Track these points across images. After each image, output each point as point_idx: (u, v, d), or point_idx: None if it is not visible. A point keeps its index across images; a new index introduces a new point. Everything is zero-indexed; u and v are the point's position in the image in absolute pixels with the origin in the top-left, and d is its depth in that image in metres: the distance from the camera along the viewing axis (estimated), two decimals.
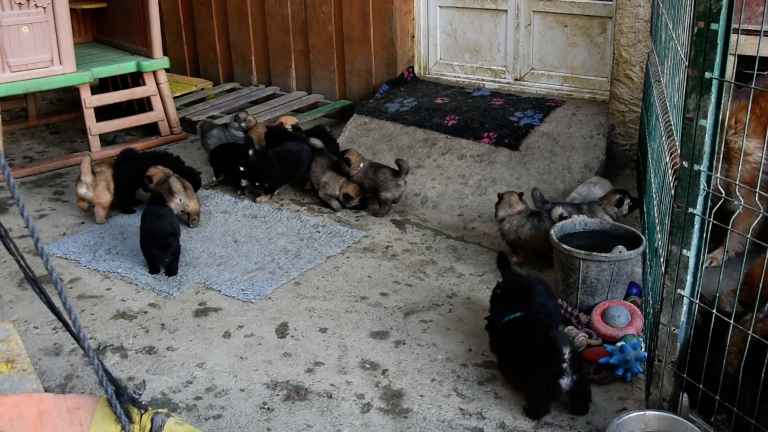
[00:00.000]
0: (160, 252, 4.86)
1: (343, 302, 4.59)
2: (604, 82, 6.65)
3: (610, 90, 6.33)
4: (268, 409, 3.63)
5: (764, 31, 3.53)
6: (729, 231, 3.08)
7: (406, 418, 3.57)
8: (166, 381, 3.86)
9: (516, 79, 7.21)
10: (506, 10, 7.06)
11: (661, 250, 3.53)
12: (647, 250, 4.38)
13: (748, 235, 2.85)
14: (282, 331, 4.30)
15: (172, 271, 4.91)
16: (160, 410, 2.45)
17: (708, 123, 2.88)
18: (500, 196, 5.07)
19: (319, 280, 4.84)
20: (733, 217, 3.05)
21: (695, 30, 2.80)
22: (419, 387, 3.80)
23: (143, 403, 2.50)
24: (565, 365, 3.43)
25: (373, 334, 4.26)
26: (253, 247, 5.28)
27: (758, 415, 2.89)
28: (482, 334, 4.19)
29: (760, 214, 2.86)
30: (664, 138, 3.71)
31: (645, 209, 4.86)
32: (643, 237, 4.40)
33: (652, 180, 4.35)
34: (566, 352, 3.43)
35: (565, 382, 3.46)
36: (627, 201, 5.05)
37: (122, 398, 2.35)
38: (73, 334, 2.74)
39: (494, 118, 6.61)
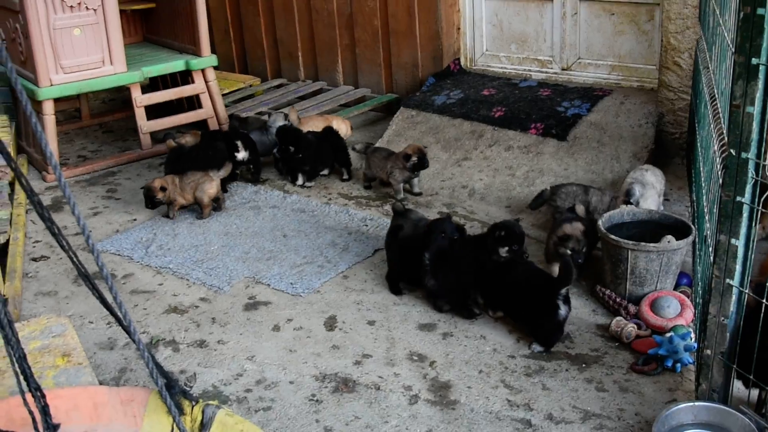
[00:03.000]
0: None
1: (391, 295, 4.62)
2: (653, 70, 6.55)
3: (658, 78, 6.24)
4: (317, 401, 3.68)
5: None
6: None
7: (454, 409, 3.59)
8: (216, 374, 3.93)
9: (563, 69, 7.15)
10: (552, 0, 7.00)
11: (710, 240, 3.50)
12: (697, 239, 4.32)
13: None
14: (330, 324, 4.35)
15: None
16: (210, 402, 2.50)
17: (755, 110, 2.83)
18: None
19: (367, 273, 4.88)
20: None
21: (741, 15, 2.76)
22: (466, 378, 3.81)
23: (194, 395, 2.56)
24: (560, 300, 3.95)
25: (420, 327, 4.28)
26: (302, 241, 5.34)
27: None
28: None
29: None
30: (712, 125, 3.66)
31: (695, 198, 4.80)
32: (692, 226, 4.35)
33: (701, 168, 4.29)
34: (563, 291, 3.97)
35: (562, 312, 3.96)
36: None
37: (173, 391, 2.41)
38: (124, 328, 2.82)
39: (541, 109, 6.57)
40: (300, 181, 6.30)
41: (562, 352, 4.00)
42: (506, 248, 4.39)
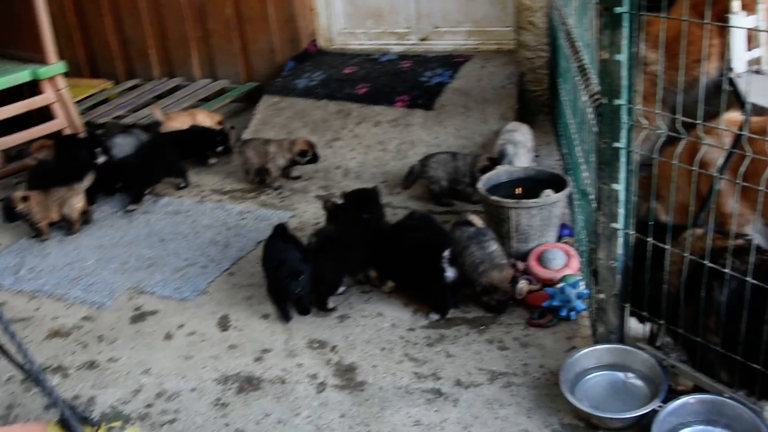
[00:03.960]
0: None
1: None
2: (509, 32, 6.67)
3: (516, 39, 6.36)
4: (223, 404, 3.56)
5: None
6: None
7: (363, 390, 3.54)
8: (113, 393, 3.73)
9: (421, 40, 7.18)
10: None
11: (589, 189, 3.57)
12: (574, 190, 4.43)
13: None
14: (224, 324, 4.21)
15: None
16: (113, 424, 2.36)
17: (623, 57, 2.90)
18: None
19: (253, 267, 4.75)
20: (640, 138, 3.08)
21: None
22: (370, 358, 3.77)
23: (94, 419, 2.41)
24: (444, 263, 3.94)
25: (315, 313, 4.20)
26: (181, 243, 5.15)
27: (702, 332, 2.95)
28: None
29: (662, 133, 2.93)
30: (578, 78, 3.74)
31: (565, 151, 4.92)
32: (567, 178, 4.44)
33: (570, 121, 4.39)
34: (446, 253, 3.94)
35: (448, 274, 3.95)
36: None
37: (70, 420, 2.26)
38: (13, 360, 2.63)
39: (405, 81, 6.58)
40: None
41: (459, 317, 4.02)
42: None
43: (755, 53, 4.75)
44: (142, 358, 4.00)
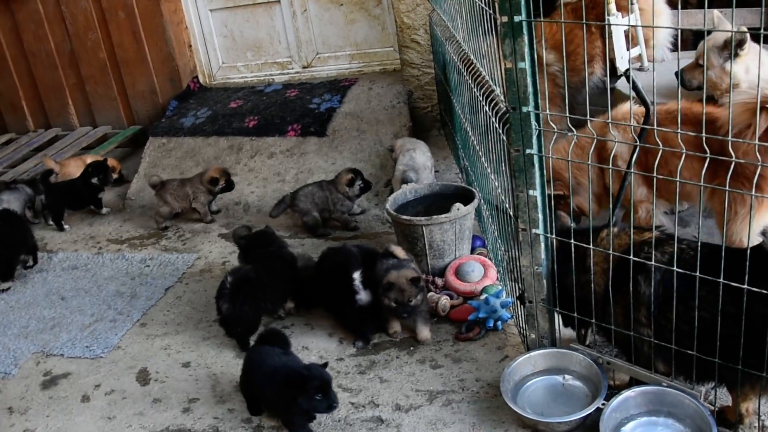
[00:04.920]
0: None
1: (198, 330, 4.37)
2: (391, 52, 6.72)
3: (400, 57, 6.41)
4: None
5: None
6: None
7: None
8: None
9: (304, 67, 7.15)
10: (279, 1, 6.96)
11: (502, 197, 3.61)
12: (481, 201, 4.47)
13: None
14: (143, 377, 4.03)
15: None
16: None
17: (527, 64, 2.94)
18: None
19: (165, 315, 4.58)
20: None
21: None
22: None
23: None
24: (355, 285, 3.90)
25: (239, 355, 4.07)
26: (84, 299, 4.91)
27: (634, 325, 3.01)
28: None
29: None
30: (475, 90, 3.78)
31: (467, 163, 4.96)
32: (475, 190, 4.48)
33: (470, 134, 4.43)
34: (356, 275, 3.90)
35: (360, 297, 3.91)
36: (358, 182, 5.18)
37: None
38: None
39: (294, 110, 6.52)
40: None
41: (387, 341, 3.98)
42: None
43: (634, 52, 4.94)
44: (60, 425, 3.77)
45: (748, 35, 3.91)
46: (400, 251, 4.07)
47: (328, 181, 5.31)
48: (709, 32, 4.00)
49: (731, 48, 3.90)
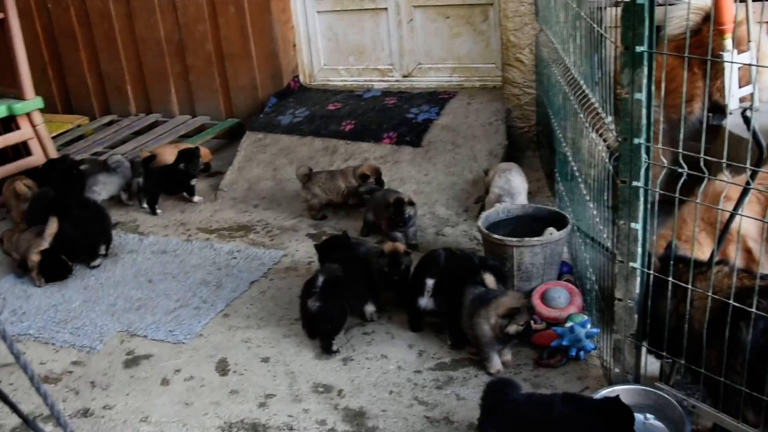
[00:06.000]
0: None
1: (279, 327, 4.41)
2: (493, 69, 6.70)
3: (502, 75, 6.38)
4: None
5: None
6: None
7: None
8: None
9: (404, 76, 7.18)
10: (386, 8, 7.01)
11: (600, 227, 3.55)
12: (573, 228, 4.40)
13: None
14: (222, 368, 4.09)
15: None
16: None
17: (643, 96, 2.89)
18: None
19: (248, 308, 4.65)
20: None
21: (622, 5, 2.80)
22: (379, 402, 3.68)
23: None
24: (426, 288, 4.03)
25: (318, 355, 4.10)
26: (171, 284, 5.02)
27: (726, 372, 2.91)
28: (427, 335, 4.14)
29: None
30: (582, 116, 3.72)
31: (563, 188, 4.90)
32: (568, 216, 4.42)
33: (570, 158, 4.37)
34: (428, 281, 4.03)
35: (423, 301, 4.04)
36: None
37: None
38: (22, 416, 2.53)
39: (391, 118, 6.55)
40: None
41: (467, 358, 3.95)
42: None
43: (745, 91, 4.81)
44: (139, 405, 3.86)
45: None
46: (490, 280, 4.00)
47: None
48: None
49: None
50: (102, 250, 5.45)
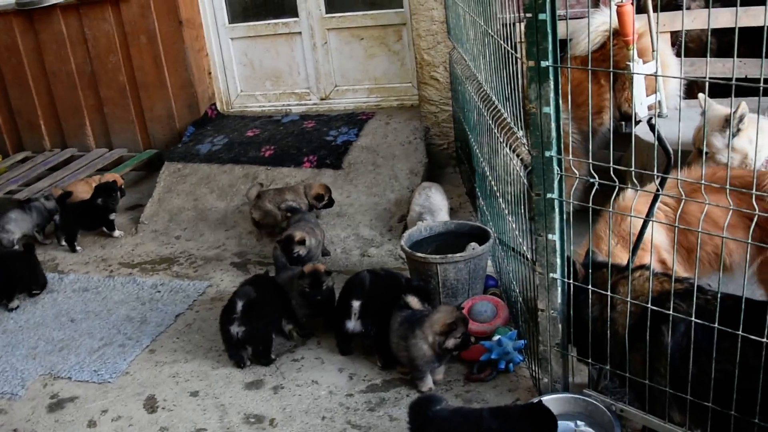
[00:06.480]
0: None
1: (207, 359, 4.34)
2: (409, 88, 6.76)
3: (418, 94, 6.44)
4: None
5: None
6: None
7: None
8: None
9: (322, 99, 7.19)
10: (300, 32, 7.02)
11: (519, 239, 3.60)
12: (495, 241, 4.46)
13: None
14: (151, 405, 4.00)
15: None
16: None
17: (551, 109, 2.95)
18: None
19: (174, 342, 4.56)
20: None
21: (525, 22, 2.86)
22: (312, 429, 3.65)
23: None
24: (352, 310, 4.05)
25: (247, 386, 4.05)
26: (94, 322, 4.90)
27: (651, 375, 2.98)
28: (357, 358, 4.13)
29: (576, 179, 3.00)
30: (496, 131, 3.79)
31: (483, 203, 4.96)
32: (490, 231, 4.48)
33: (488, 173, 4.43)
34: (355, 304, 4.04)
35: (351, 324, 4.05)
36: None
37: None
38: None
39: (310, 141, 6.54)
40: None
41: (397, 378, 3.96)
42: None
43: (652, 99, 4.96)
44: None
45: (745, 107, 3.94)
46: (415, 302, 3.96)
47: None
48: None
49: (730, 126, 3.94)
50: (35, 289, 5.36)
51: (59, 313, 5.07)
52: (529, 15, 2.84)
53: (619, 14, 4.57)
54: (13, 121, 8.09)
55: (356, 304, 4.03)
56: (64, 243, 6.12)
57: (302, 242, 4.90)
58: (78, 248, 6.04)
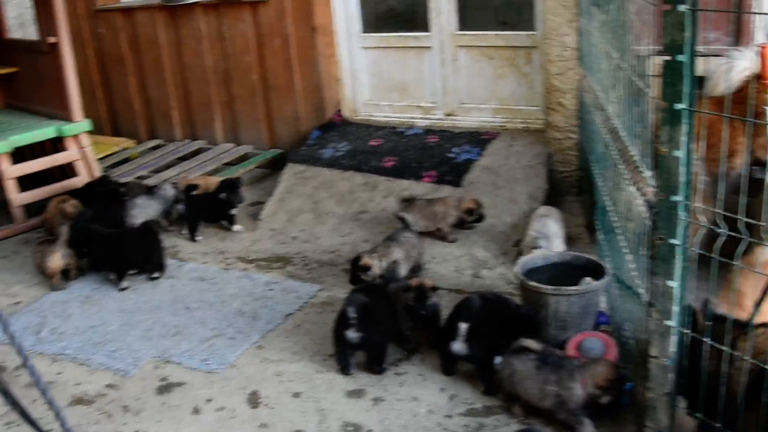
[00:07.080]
0: None
1: (312, 362, 4.43)
2: (536, 111, 6.71)
3: (545, 119, 6.39)
4: None
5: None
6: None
7: None
8: None
9: (447, 115, 7.22)
10: (430, 47, 7.08)
11: (637, 281, 3.53)
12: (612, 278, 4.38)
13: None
14: (254, 400, 4.12)
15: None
16: None
17: (682, 153, 2.88)
18: None
19: (282, 342, 4.68)
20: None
21: (663, 63, 2.81)
22: None
23: None
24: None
25: (349, 394, 4.12)
26: (207, 312, 5.08)
27: None
28: (459, 379, 4.13)
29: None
30: (622, 166, 3.72)
31: (602, 237, 4.88)
32: (607, 267, 4.40)
33: (611, 209, 4.35)
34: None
35: (456, 346, 4.02)
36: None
37: None
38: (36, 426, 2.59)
39: (432, 156, 6.59)
40: None
41: (499, 405, 3.93)
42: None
43: None
44: None
45: None
46: (533, 344, 3.86)
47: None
48: None
49: None
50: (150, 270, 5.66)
51: (176, 299, 5.28)
52: (667, 56, 2.79)
53: (762, 56, 4.42)
54: (149, 109, 8.51)
55: (464, 326, 4.03)
56: (184, 232, 6.36)
57: (366, 268, 4.93)
58: (198, 238, 6.27)
